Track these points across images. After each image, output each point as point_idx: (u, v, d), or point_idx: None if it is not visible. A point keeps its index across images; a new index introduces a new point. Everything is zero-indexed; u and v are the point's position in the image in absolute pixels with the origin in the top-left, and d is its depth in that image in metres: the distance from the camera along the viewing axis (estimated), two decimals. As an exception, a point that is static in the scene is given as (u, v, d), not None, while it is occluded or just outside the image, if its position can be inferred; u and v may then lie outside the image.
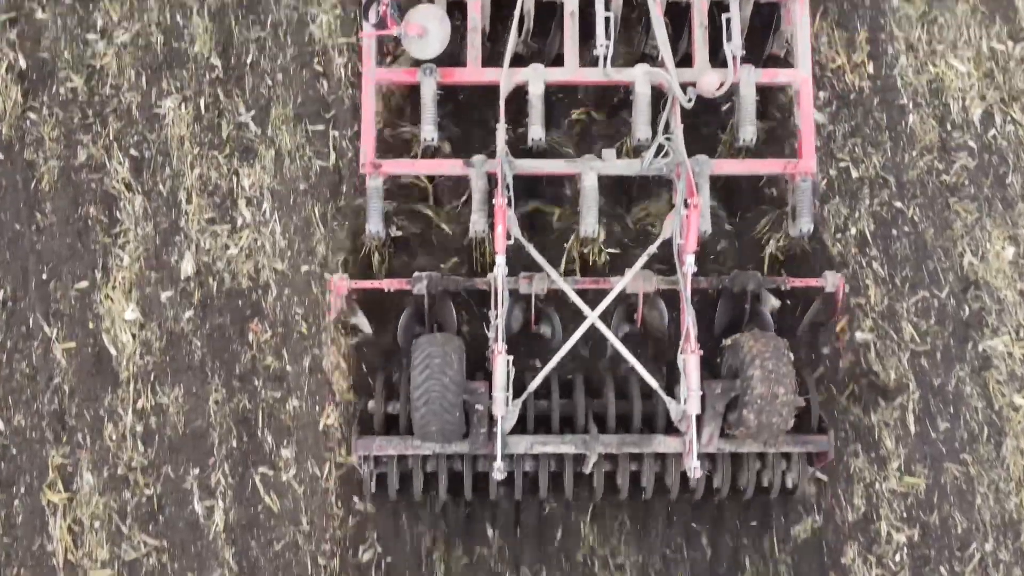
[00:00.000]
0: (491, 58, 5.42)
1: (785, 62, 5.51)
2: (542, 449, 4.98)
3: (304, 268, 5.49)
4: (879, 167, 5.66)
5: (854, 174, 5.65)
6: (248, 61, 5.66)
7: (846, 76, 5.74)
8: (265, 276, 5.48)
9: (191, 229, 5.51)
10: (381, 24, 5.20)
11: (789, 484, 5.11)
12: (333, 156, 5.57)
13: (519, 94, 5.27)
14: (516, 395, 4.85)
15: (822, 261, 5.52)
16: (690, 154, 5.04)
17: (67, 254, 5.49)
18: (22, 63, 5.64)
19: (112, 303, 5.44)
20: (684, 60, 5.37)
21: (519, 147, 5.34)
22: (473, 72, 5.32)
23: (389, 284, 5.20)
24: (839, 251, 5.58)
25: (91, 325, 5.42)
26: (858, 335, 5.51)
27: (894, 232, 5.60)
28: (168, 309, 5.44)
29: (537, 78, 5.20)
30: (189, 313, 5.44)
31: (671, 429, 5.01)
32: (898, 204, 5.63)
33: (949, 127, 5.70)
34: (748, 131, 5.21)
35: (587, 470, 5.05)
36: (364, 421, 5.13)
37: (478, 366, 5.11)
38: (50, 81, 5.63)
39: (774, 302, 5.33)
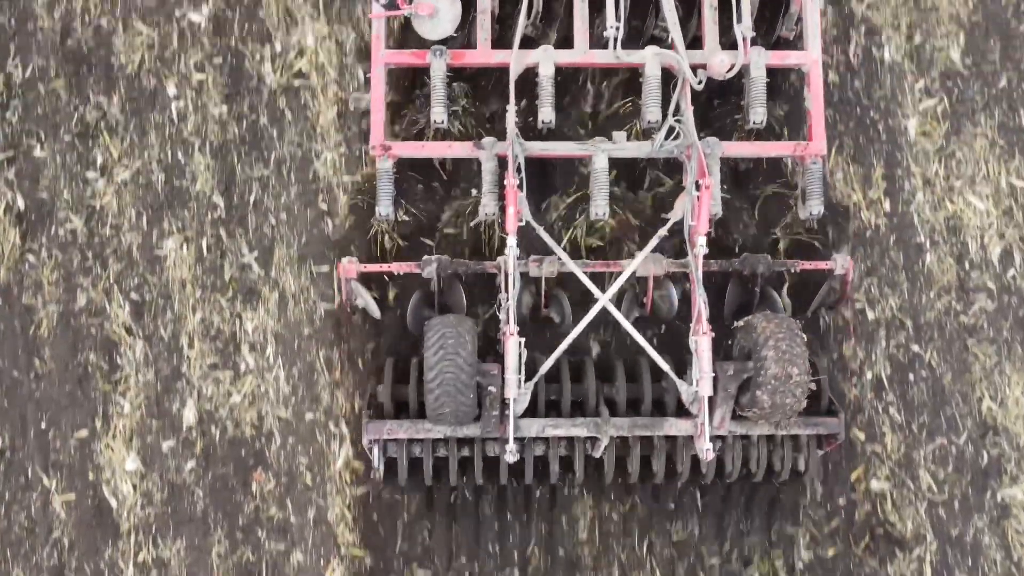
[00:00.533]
0: (499, 40, 5.36)
1: (793, 44, 5.49)
2: (554, 432, 4.97)
3: (308, 416, 5.38)
4: (896, 308, 5.54)
5: (870, 316, 5.54)
6: (251, 200, 5.54)
7: (862, 213, 5.62)
8: (268, 424, 5.37)
9: (193, 375, 5.39)
10: (392, 4, 5.18)
11: (800, 467, 5.12)
12: (338, 299, 5.46)
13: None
14: (527, 378, 4.85)
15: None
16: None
17: (66, 402, 5.37)
18: (20, 204, 5.52)
19: (112, 453, 5.33)
20: (693, 42, 5.34)
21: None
22: (483, 54, 5.30)
23: (398, 267, 5.22)
24: (855, 395, 5.46)
25: (91, 476, 5.31)
26: (874, 484, 5.40)
27: (911, 377, 5.49)
28: (170, 459, 5.33)
29: (547, 60, 5.18)
30: (191, 463, 5.33)
31: (681, 412, 5.01)
32: (915, 347, 5.51)
33: (967, 266, 5.58)
34: (758, 113, 5.21)
35: (598, 454, 5.03)
36: (374, 406, 5.08)
37: (485, 350, 5.12)
38: (49, 222, 5.50)
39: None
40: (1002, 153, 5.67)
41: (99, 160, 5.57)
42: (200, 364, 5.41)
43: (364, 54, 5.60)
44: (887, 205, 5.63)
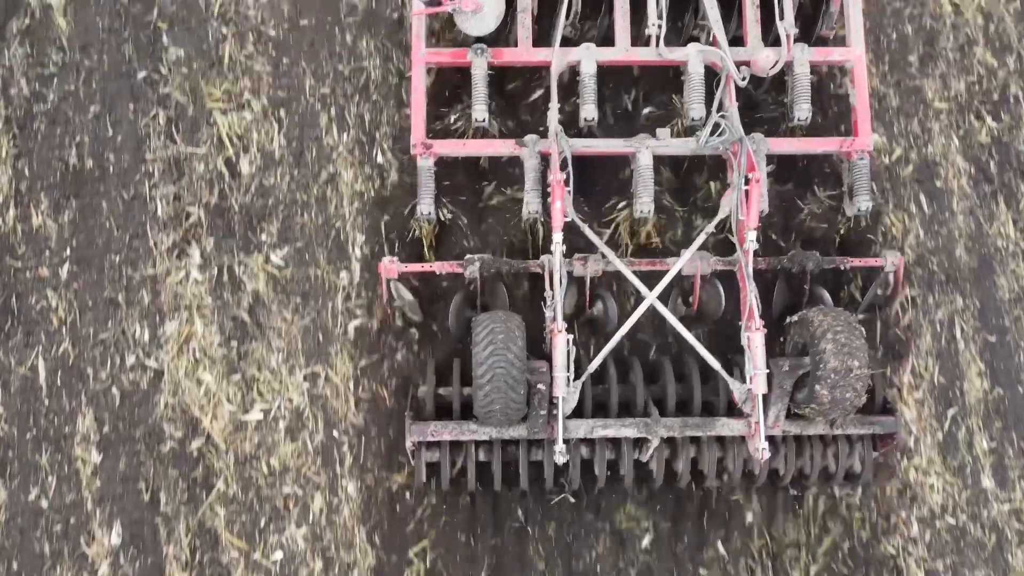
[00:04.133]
0: (538, 40, 5.32)
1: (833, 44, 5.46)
2: (602, 433, 4.86)
3: None
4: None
5: None
6: None
7: None
8: None
9: None
10: (434, 1, 5.16)
11: (855, 469, 5.04)
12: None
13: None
14: (575, 377, 4.74)
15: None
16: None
17: None
18: None
19: None
20: (734, 41, 5.28)
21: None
22: (524, 52, 5.29)
23: (440, 267, 5.14)
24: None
25: None
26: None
27: None
28: None
29: (589, 57, 5.19)
30: None
31: (731, 415, 4.93)
32: None
33: None
34: (803, 110, 5.23)
35: (646, 458, 4.95)
36: (417, 408, 4.98)
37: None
38: None
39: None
40: None
41: None
42: None
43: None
44: None
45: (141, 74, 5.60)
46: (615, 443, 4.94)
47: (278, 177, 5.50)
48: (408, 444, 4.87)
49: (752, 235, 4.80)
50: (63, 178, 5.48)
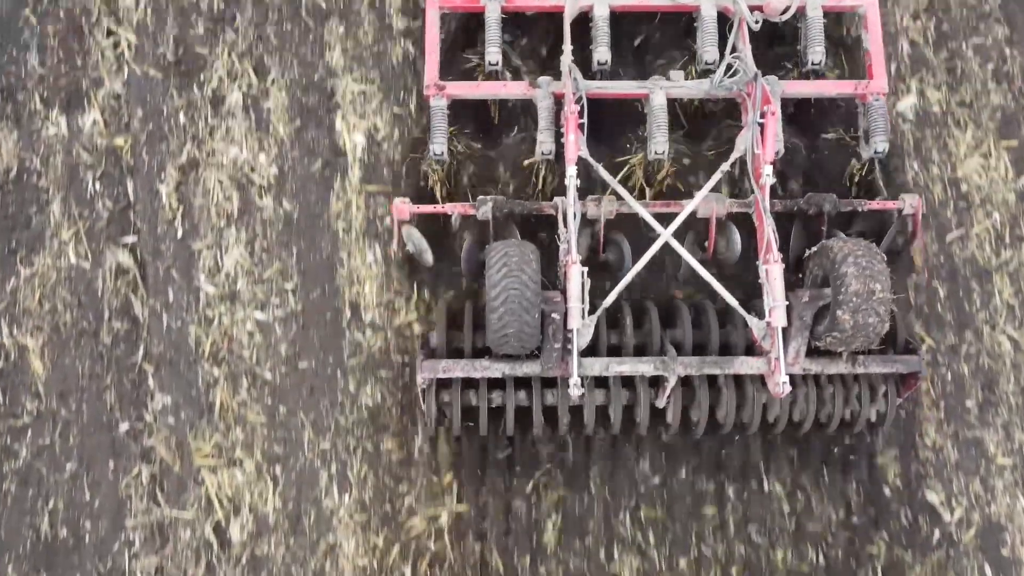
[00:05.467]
0: None
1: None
2: (618, 369, 4.74)
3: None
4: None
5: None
6: None
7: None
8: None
9: None
10: None
11: (875, 416, 4.90)
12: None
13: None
14: (590, 313, 4.63)
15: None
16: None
17: None
18: None
19: None
20: None
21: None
22: None
23: (452, 208, 5.07)
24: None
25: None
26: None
27: None
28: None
29: (602, 1, 5.22)
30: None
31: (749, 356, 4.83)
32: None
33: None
34: (817, 53, 5.24)
35: (661, 403, 4.79)
36: (427, 350, 4.85)
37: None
38: None
39: None
40: None
41: None
42: None
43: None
44: None
45: (123, 426, 5.11)
46: (631, 387, 4.83)
47: (272, 546, 4.98)
48: (419, 381, 4.73)
49: (768, 169, 4.73)
50: (33, 549, 4.97)
